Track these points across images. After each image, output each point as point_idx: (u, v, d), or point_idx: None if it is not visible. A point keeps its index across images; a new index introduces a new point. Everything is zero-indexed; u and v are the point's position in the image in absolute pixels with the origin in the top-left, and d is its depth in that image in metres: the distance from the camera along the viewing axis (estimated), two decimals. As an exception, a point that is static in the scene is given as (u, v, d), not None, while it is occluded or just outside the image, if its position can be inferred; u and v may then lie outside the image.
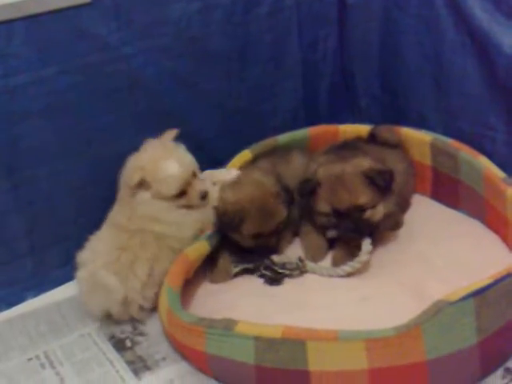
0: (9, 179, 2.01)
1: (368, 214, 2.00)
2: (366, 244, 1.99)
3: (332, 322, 1.68)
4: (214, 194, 2.07)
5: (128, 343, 1.91)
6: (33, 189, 2.05)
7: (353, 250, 2.03)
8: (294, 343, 1.60)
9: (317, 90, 2.64)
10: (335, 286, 1.99)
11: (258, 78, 2.44)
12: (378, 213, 2.02)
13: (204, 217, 2.04)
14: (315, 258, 2.10)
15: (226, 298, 1.99)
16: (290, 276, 2.04)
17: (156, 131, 2.10)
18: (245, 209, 2.01)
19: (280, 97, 2.54)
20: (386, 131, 2.37)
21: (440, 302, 1.62)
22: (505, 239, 2.08)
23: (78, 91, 2.04)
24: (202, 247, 2.01)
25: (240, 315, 1.74)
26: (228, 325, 1.68)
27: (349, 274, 2.01)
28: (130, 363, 1.84)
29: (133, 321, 1.98)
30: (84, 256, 1.98)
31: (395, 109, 2.54)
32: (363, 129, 2.43)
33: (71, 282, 2.10)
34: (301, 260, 2.06)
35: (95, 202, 2.10)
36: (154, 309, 1.98)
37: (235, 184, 2.10)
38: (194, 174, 2.01)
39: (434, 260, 2.04)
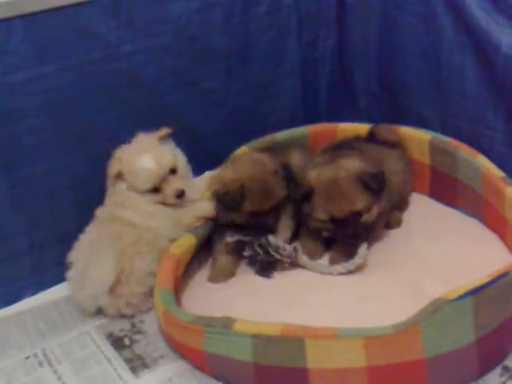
0: (7, 177, 2.00)
1: (364, 217, 2.01)
2: (363, 249, 2.00)
3: (331, 320, 1.68)
4: (194, 194, 2.07)
5: (126, 341, 1.91)
6: (31, 187, 2.05)
7: (349, 251, 2.03)
8: (293, 341, 1.60)
9: (316, 89, 2.64)
10: (334, 284, 1.99)
11: (257, 76, 2.44)
12: (373, 214, 2.03)
13: (178, 214, 2.03)
14: (311, 259, 2.10)
15: (225, 296, 1.99)
16: (280, 263, 2.03)
17: (155, 129, 2.10)
18: (245, 186, 2.01)
19: (279, 95, 2.54)
20: (384, 130, 2.36)
21: (438, 300, 1.62)
22: (503, 238, 2.09)
23: (76, 89, 2.04)
24: (186, 241, 2.00)
25: (238, 313, 1.74)
26: (226, 323, 1.68)
27: (340, 274, 2.01)
28: (128, 361, 1.84)
29: (130, 318, 1.98)
30: (73, 255, 2.01)
31: (394, 108, 2.54)
32: (362, 128, 2.43)
33: (69, 281, 2.11)
34: (295, 250, 2.06)
35: (94, 200, 2.09)
36: (150, 308, 1.99)
37: (234, 164, 2.09)
38: (173, 172, 2.00)
39: (433, 258, 2.05)
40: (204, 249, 2.13)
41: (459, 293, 1.61)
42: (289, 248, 2.05)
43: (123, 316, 1.99)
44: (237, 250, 2.09)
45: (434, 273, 1.97)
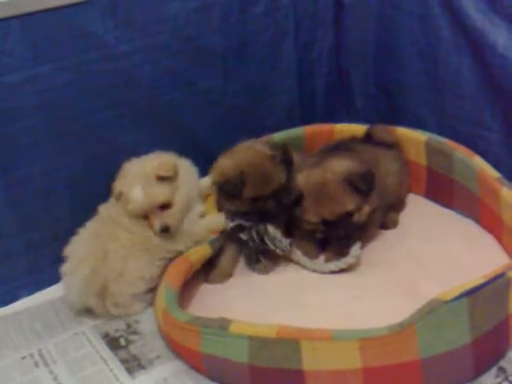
0: (3, 177, 2.00)
1: (356, 217, 2.01)
2: (356, 248, 2.01)
3: (326, 321, 1.69)
4: (195, 226, 2.07)
5: (122, 342, 1.91)
6: (27, 186, 2.04)
7: (343, 251, 2.04)
8: (288, 343, 1.60)
9: (313, 90, 2.64)
10: (330, 284, 1.99)
11: (254, 76, 2.44)
12: (364, 213, 2.03)
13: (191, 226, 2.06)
14: None
15: (222, 297, 2.00)
16: (270, 255, 2.05)
17: (152, 129, 2.10)
18: (245, 172, 2.01)
19: (276, 96, 2.54)
20: (381, 131, 2.37)
21: (434, 301, 1.62)
22: (499, 238, 2.09)
23: (73, 89, 2.03)
24: (203, 250, 2.03)
25: (235, 315, 1.74)
26: (223, 324, 1.68)
27: (332, 272, 2.03)
28: (124, 362, 1.84)
29: (125, 319, 1.99)
30: (69, 249, 2.02)
31: (391, 108, 2.54)
32: (359, 128, 2.43)
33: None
34: (291, 245, 2.06)
35: (90, 200, 2.09)
36: (147, 308, 1.99)
37: (231, 153, 2.10)
38: (165, 207, 2.00)
39: (428, 259, 2.05)
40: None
41: (455, 294, 1.62)
42: (285, 241, 2.05)
43: (118, 316, 1.99)
44: (238, 238, 2.09)
45: (429, 273, 1.98)
